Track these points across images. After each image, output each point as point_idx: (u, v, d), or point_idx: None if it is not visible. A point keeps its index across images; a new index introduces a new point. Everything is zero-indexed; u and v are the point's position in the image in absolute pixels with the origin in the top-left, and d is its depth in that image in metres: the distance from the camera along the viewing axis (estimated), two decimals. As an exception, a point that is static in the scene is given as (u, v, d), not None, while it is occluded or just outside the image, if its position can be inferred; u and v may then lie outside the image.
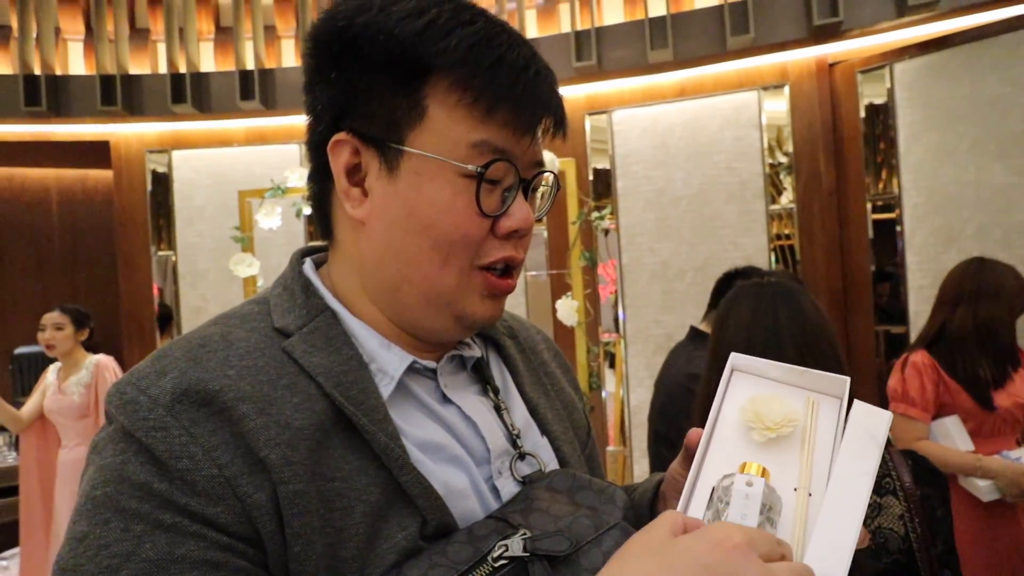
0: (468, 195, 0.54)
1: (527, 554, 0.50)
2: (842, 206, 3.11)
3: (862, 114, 2.99)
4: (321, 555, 0.49)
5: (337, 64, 0.56)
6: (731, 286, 1.91)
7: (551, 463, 0.65)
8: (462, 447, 0.59)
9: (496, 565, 0.50)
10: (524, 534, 0.52)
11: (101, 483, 0.47)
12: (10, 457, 3.85)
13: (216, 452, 0.48)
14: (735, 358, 0.63)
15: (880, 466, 1.27)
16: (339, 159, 0.57)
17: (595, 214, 2.85)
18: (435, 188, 0.54)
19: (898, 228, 2.91)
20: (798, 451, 0.57)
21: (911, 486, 1.18)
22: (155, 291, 3.80)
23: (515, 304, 3.47)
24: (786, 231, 3.15)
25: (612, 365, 3.48)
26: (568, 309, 2.79)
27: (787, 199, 3.15)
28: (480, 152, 0.54)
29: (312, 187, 0.62)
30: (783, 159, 3.15)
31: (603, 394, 3.44)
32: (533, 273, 3.47)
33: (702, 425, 0.58)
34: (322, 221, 0.63)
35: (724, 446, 0.58)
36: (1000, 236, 2.65)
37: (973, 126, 2.70)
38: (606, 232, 3.40)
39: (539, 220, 0.62)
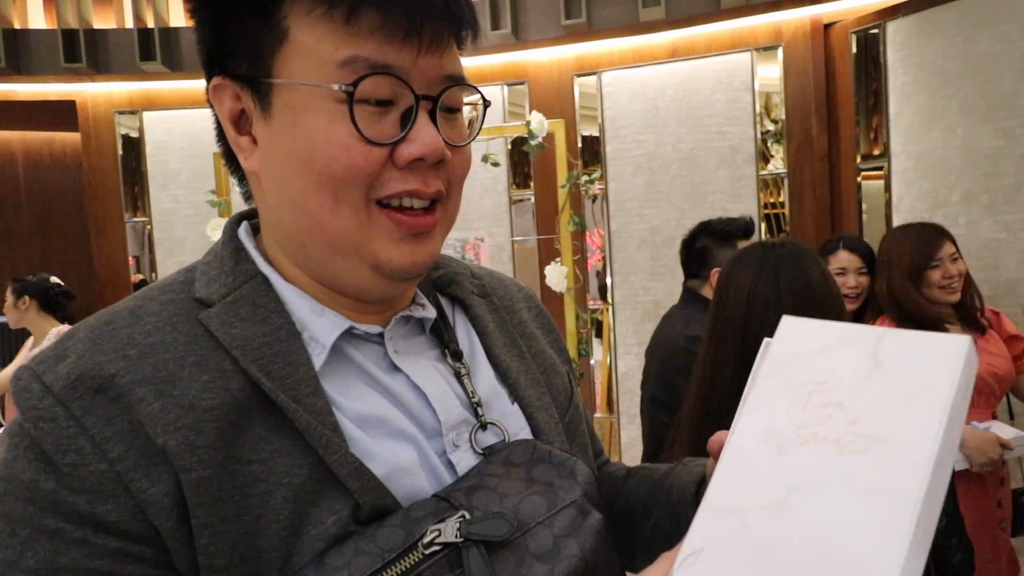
0: (346, 121, 0.48)
1: (462, 540, 0.45)
2: (833, 171, 3.08)
3: (853, 76, 2.93)
4: (235, 545, 0.45)
5: (200, 2, 0.52)
6: (695, 243, 1.91)
7: (521, 432, 0.59)
8: (410, 419, 0.53)
9: (427, 552, 0.45)
10: (462, 516, 0.47)
11: None
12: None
13: (108, 444, 0.44)
14: (766, 343, 0.52)
15: None
16: (222, 107, 0.53)
17: (584, 177, 2.79)
18: (310, 119, 0.48)
19: (886, 194, 2.87)
20: None
21: None
22: (130, 260, 3.68)
23: (504, 271, 3.42)
24: (777, 199, 3.12)
25: (599, 334, 3.46)
26: (557, 275, 2.75)
27: (778, 164, 3.11)
28: (353, 69, 0.47)
29: (220, 145, 0.56)
30: (774, 125, 3.10)
31: (591, 361, 3.43)
32: (520, 239, 3.41)
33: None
34: (242, 181, 0.58)
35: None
36: (986, 201, 2.61)
37: (962, 87, 2.65)
38: (594, 198, 3.34)
39: (457, 146, 0.53)
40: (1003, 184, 2.57)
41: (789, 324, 0.44)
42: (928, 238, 1.96)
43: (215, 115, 0.55)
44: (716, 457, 0.49)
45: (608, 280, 3.39)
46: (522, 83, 3.39)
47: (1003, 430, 1.81)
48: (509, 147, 3.35)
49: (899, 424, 0.37)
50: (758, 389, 0.41)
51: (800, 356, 0.41)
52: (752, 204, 3.13)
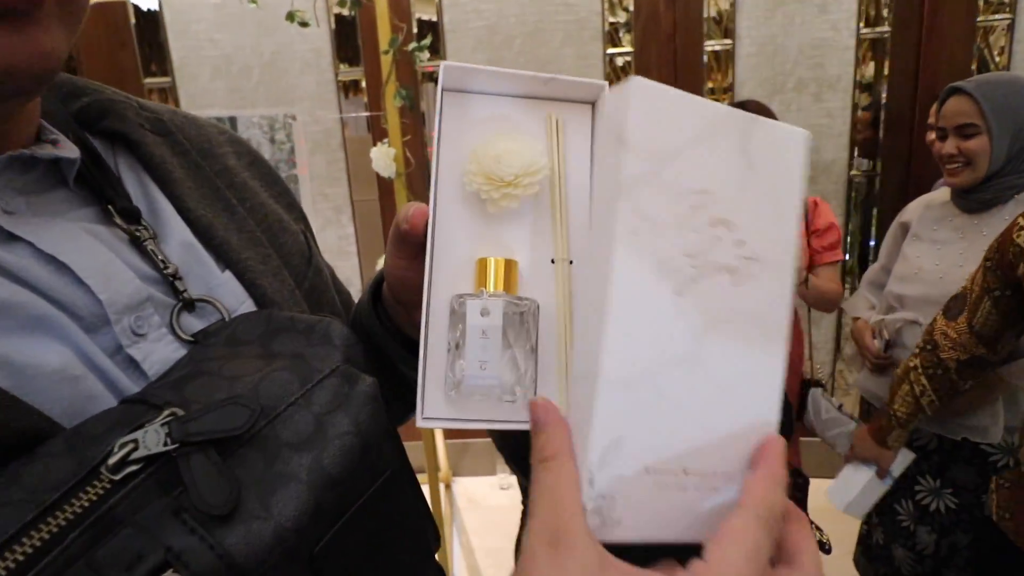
0: None
1: (175, 446, 0.32)
2: (678, 52, 2.98)
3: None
4: None
5: None
6: None
7: (241, 307, 0.46)
8: (52, 304, 0.37)
9: (117, 478, 0.31)
10: (171, 415, 0.33)
11: None
12: None
13: None
14: (445, 67, 0.44)
15: None
16: None
17: (413, 44, 2.45)
18: None
19: (731, 79, 2.85)
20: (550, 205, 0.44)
21: None
22: None
23: (334, 159, 3.03)
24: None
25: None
26: (384, 158, 2.44)
27: (625, 44, 2.95)
28: None
29: None
30: (626, 14, 2.91)
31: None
32: (353, 115, 3.03)
33: None
34: None
35: (454, 230, 0.43)
36: (814, 89, 2.81)
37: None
38: (433, 79, 3.00)
39: None
40: (828, 74, 2.77)
41: (643, 92, 0.33)
42: None
43: None
44: (413, 234, 0.43)
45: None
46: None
47: None
48: (334, 24, 2.90)
49: (769, 240, 0.35)
50: (635, 201, 0.32)
51: (672, 151, 0.34)
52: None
